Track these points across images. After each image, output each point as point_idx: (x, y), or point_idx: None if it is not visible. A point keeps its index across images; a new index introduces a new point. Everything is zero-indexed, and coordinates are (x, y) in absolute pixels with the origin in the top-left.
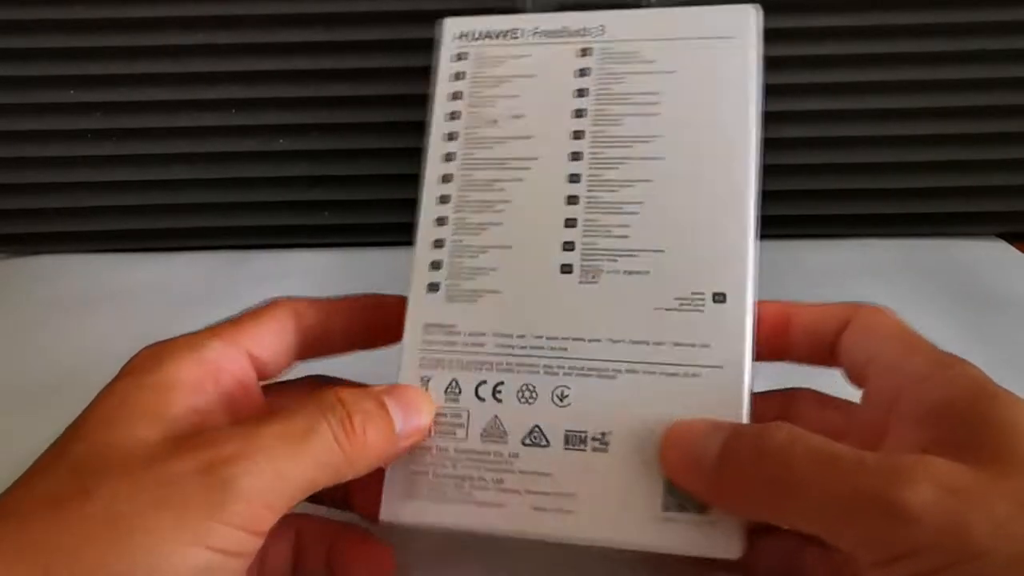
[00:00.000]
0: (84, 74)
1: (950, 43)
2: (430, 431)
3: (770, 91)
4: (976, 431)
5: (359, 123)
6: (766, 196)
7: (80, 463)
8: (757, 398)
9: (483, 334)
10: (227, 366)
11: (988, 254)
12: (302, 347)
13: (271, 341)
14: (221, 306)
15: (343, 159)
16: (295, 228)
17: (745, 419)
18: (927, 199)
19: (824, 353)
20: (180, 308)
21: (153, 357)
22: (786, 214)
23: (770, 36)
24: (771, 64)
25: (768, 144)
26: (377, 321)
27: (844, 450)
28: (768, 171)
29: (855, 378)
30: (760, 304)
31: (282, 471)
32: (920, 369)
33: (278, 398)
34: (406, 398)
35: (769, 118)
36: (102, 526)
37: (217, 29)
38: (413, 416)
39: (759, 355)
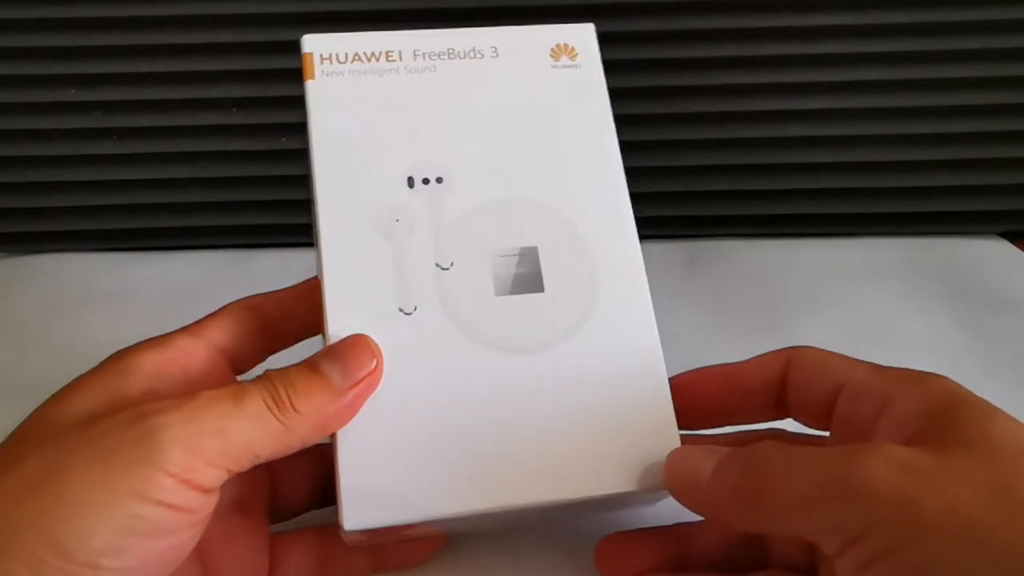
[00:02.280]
0: (84, 73)
1: (952, 41)
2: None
3: (771, 90)
4: (944, 426)
5: None
6: (767, 195)
7: (24, 434)
8: (726, 440)
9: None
10: (193, 354)
11: (990, 253)
12: (268, 337)
13: (233, 332)
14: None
15: None
16: (297, 227)
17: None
18: (928, 198)
19: (770, 406)
20: (181, 307)
21: (119, 352)
22: (786, 213)
23: (772, 35)
24: (772, 63)
25: (769, 143)
26: None
27: (814, 449)
28: (769, 170)
29: (813, 419)
30: (690, 377)
31: (218, 425)
32: (892, 389)
33: None
34: (341, 350)
35: (770, 117)
36: (35, 484)
37: (218, 28)
38: (352, 366)
39: (702, 425)
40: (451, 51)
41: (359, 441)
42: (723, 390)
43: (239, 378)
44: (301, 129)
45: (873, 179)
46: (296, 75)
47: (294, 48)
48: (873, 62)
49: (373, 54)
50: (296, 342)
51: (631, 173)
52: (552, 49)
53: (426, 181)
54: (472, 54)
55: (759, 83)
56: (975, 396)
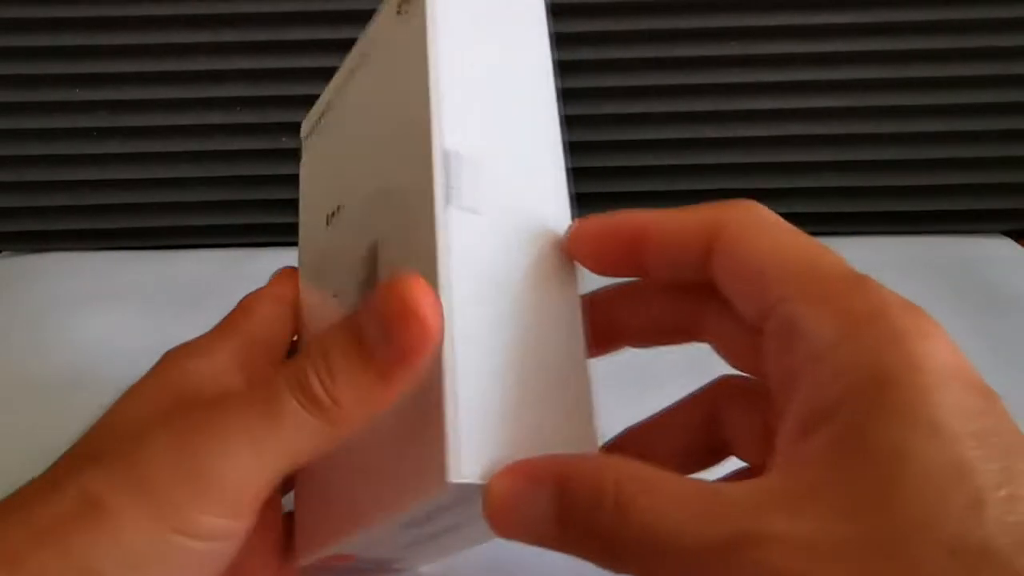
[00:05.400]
0: (89, 72)
1: (956, 40)
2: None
3: (774, 89)
4: (859, 466)
5: None
6: (769, 194)
7: (70, 454)
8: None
9: None
10: (237, 355)
11: (994, 252)
12: (299, 319)
13: (270, 323)
14: (227, 304)
15: None
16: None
17: None
18: (933, 197)
19: (690, 278)
20: (185, 306)
21: (168, 356)
22: (788, 212)
23: (775, 34)
24: (774, 62)
25: (771, 142)
26: None
27: (675, 508)
28: (772, 169)
29: (745, 313)
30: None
31: (258, 452)
32: (818, 341)
33: None
34: (384, 304)
35: (772, 116)
36: (73, 518)
37: (222, 27)
38: (398, 330)
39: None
40: (351, 73)
41: None
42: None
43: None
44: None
45: (875, 178)
46: (296, 74)
47: (296, 48)
48: (876, 61)
49: (320, 114)
50: None
51: (632, 173)
52: (398, 5)
53: (331, 216)
54: (359, 63)
55: (761, 82)
56: (915, 362)
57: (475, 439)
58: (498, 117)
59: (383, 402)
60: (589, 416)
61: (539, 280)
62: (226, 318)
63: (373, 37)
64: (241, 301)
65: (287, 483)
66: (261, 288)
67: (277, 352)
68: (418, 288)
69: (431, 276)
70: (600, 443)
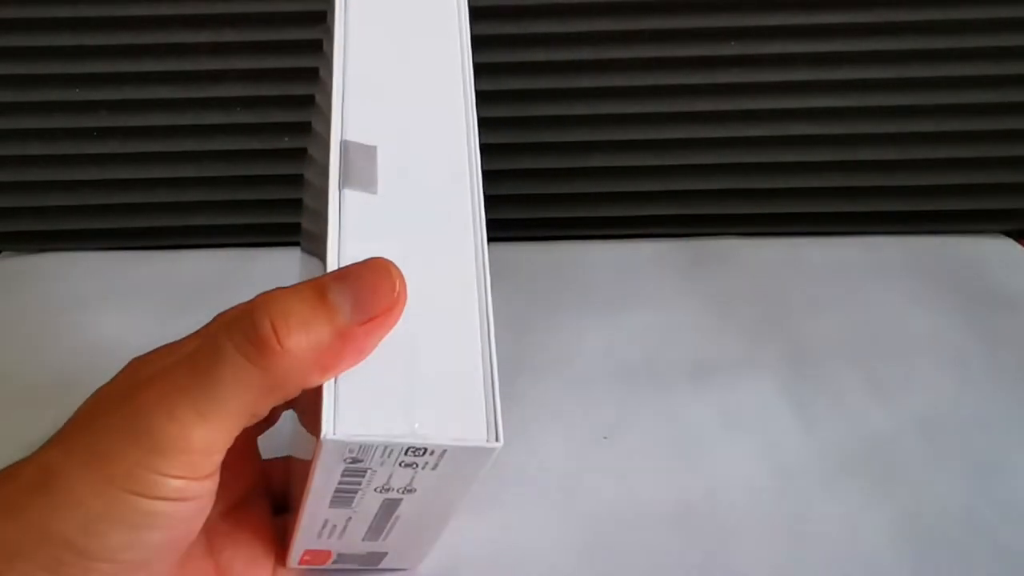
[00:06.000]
0: (89, 72)
1: (955, 40)
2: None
3: (775, 89)
4: None
5: None
6: (770, 194)
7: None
8: None
9: None
10: None
11: (994, 252)
12: None
13: None
14: (227, 304)
15: None
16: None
17: None
18: (933, 197)
19: None
20: (186, 306)
21: (134, 362)
22: (790, 212)
23: (775, 33)
24: (775, 62)
25: (771, 142)
26: None
27: None
28: (773, 169)
29: None
30: None
31: (198, 409)
32: None
33: None
34: (356, 273)
35: (774, 116)
36: (35, 488)
37: (222, 27)
38: (367, 296)
39: None
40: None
41: None
42: None
43: None
44: (305, 127)
45: (876, 178)
46: (297, 74)
47: (297, 47)
48: (876, 61)
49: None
50: None
51: (634, 172)
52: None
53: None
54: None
55: (762, 81)
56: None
57: (355, 401)
58: (405, 107)
59: (333, 365)
60: (481, 385)
61: (441, 251)
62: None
63: (329, 30)
64: None
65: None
66: None
67: None
68: (393, 267)
69: (330, 250)
70: (496, 433)
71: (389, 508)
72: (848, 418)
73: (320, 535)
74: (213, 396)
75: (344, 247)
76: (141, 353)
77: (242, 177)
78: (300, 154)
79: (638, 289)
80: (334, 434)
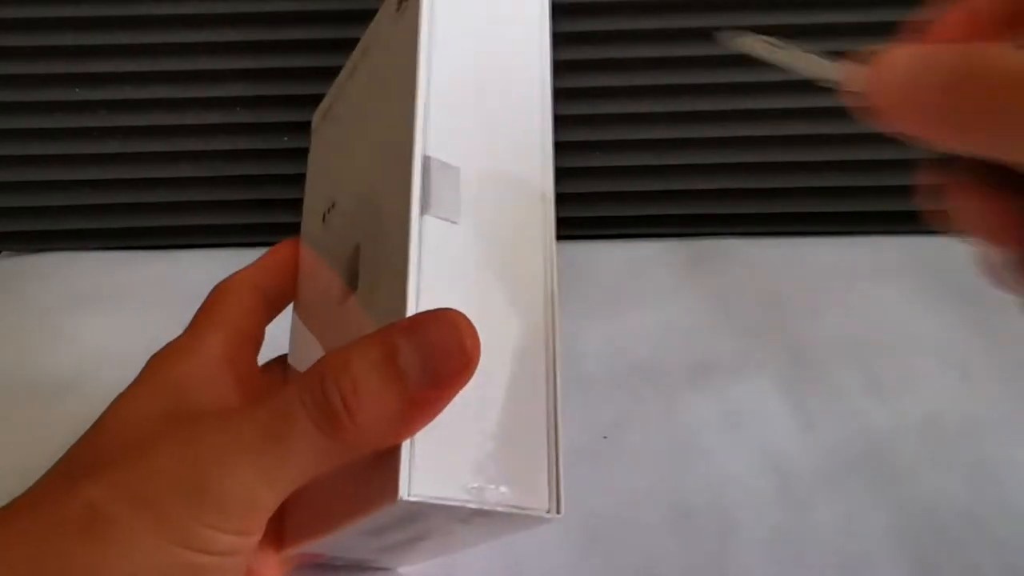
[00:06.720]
0: (89, 72)
1: None
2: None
3: (776, 88)
4: None
5: None
6: (771, 193)
7: (75, 457)
8: None
9: None
10: (222, 352)
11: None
12: (272, 309)
13: (246, 315)
14: None
15: None
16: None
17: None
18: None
19: None
20: (186, 306)
21: (155, 360)
22: (790, 211)
23: (775, 34)
24: None
25: (774, 141)
26: None
27: None
28: (775, 168)
29: None
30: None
31: (265, 471)
32: None
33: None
34: (424, 333)
35: (776, 115)
36: (84, 527)
37: (222, 26)
38: (437, 360)
39: None
40: (355, 67)
41: None
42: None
43: None
44: (305, 127)
45: (877, 178)
46: (296, 74)
47: (296, 48)
48: None
49: (329, 106)
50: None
51: (635, 172)
52: (398, 2)
53: (326, 212)
54: (360, 59)
55: (761, 81)
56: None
57: (429, 461)
58: (485, 123)
59: (403, 431)
60: (544, 448)
61: (513, 298)
62: (203, 308)
63: (374, 32)
64: (216, 288)
65: None
66: (235, 274)
67: (258, 342)
68: (465, 324)
69: (401, 286)
70: (557, 504)
71: (414, 540)
72: (848, 418)
73: (331, 547)
74: (283, 462)
75: (423, 284)
76: (142, 354)
77: (242, 177)
78: (300, 154)
79: (638, 289)
80: (409, 496)
